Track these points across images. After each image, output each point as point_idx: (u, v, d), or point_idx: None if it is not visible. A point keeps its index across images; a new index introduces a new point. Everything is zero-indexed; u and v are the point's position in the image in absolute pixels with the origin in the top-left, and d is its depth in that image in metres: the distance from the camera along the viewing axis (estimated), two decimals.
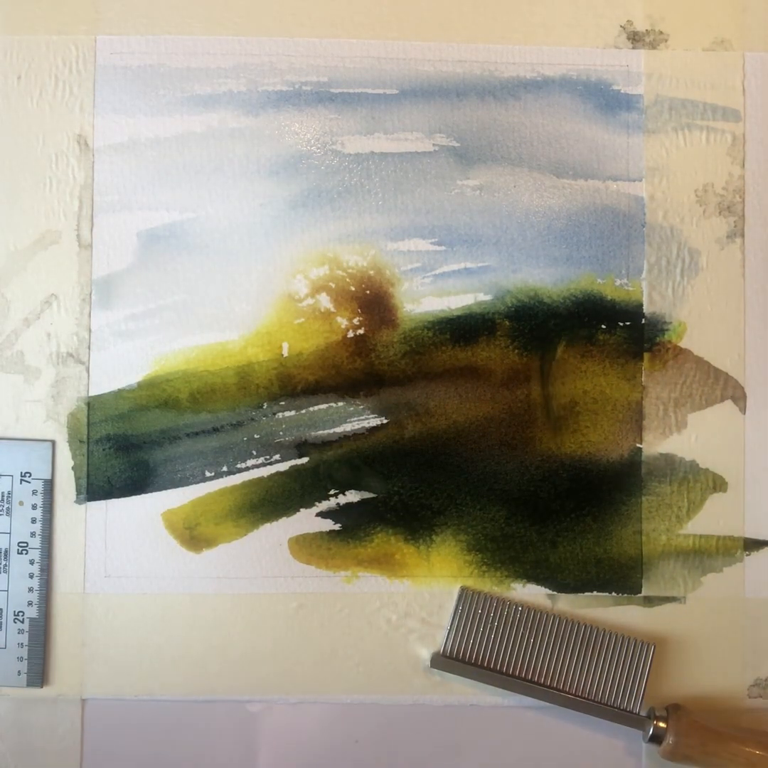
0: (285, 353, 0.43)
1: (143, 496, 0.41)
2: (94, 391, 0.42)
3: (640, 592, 0.41)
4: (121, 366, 0.42)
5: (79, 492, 0.41)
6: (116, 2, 0.41)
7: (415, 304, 0.43)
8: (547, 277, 0.43)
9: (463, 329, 0.42)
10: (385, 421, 0.41)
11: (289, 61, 0.42)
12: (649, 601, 0.41)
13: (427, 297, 0.43)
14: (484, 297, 0.43)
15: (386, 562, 0.41)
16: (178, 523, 0.42)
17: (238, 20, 0.42)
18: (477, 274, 0.43)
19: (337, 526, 0.41)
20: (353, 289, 0.44)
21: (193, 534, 0.41)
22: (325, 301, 0.44)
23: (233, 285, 0.42)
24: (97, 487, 0.41)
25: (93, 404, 0.42)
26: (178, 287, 0.43)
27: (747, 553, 0.42)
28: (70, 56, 0.41)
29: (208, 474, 0.42)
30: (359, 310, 0.44)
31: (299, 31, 0.42)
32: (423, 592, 0.41)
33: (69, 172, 0.42)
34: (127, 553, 0.41)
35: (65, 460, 0.41)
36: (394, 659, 0.41)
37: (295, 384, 0.43)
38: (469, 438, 0.41)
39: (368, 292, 0.44)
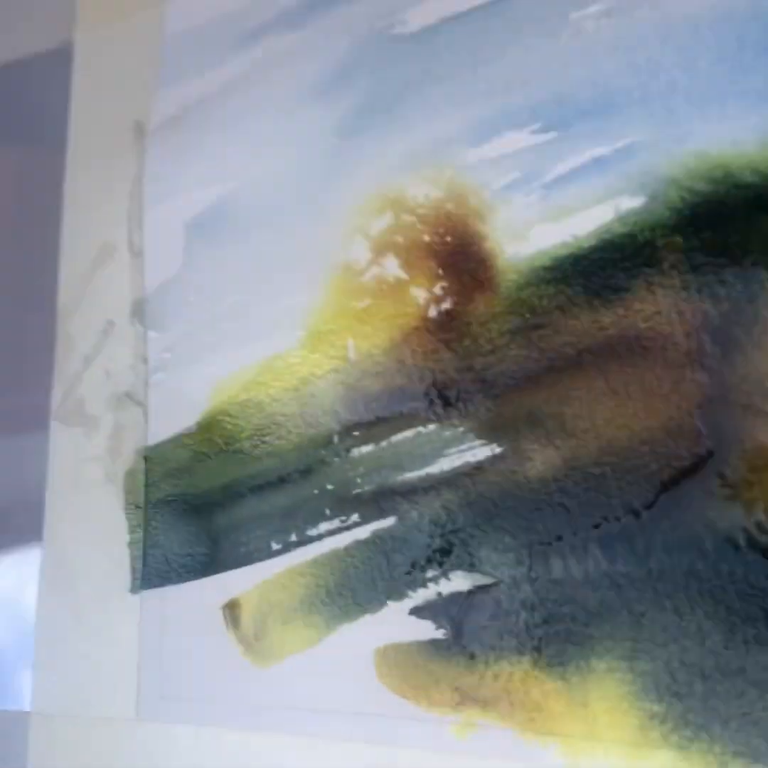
0: (351, 356, 0.36)
1: (202, 580, 0.37)
2: (152, 440, 0.41)
3: None
4: (179, 403, 0.38)
5: (134, 576, 0.37)
6: None
7: (519, 241, 0.32)
8: (744, 131, 0.27)
9: (602, 271, 0.29)
10: (498, 450, 0.29)
11: None
12: None
13: (536, 225, 0.32)
14: (631, 202, 0.29)
15: (517, 704, 0.28)
16: (243, 620, 0.37)
17: None
18: (613, 164, 0.29)
19: (439, 633, 0.30)
20: (428, 238, 0.33)
21: (259, 639, 0.34)
22: (392, 267, 0.35)
23: (285, 268, 0.35)
24: (154, 569, 0.37)
25: (151, 458, 0.39)
26: (229, 286, 0.37)
27: None
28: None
29: (274, 546, 0.36)
30: (440, 271, 0.34)
31: None
32: None
33: (125, 168, 0.41)
34: (183, 663, 0.35)
35: (119, 534, 0.38)
36: None
37: (368, 402, 0.36)
38: (645, 470, 0.26)
39: (449, 238, 0.33)
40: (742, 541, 0.25)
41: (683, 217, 0.27)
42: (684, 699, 0.25)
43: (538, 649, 0.28)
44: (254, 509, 0.36)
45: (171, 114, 0.40)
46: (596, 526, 0.27)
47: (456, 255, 0.31)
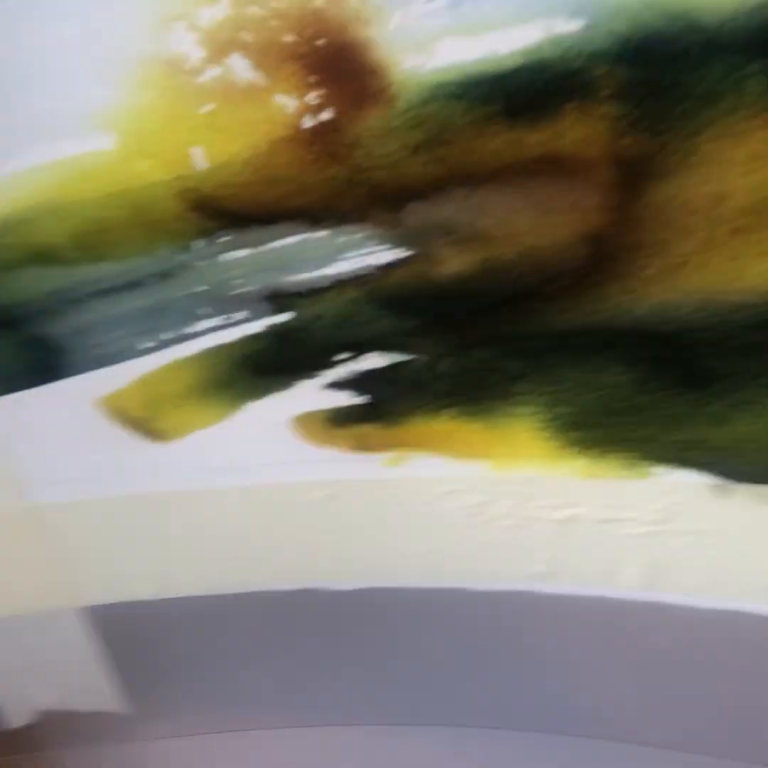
0: (198, 164, 0.32)
1: (64, 383, 0.37)
2: None
3: None
4: None
5: None
6: None
7: (421, 53, 0.28)
8: None
9: (528, 93, 0.28)
10: (406, 254, 0.32)
11: None
12: None
13: (444, 38, 0.28)
14: (567, 27, 0.27)
15: (444, 441, 0.36)
16: (131, 409, 0.39)
17: None
18: None
19: (359, 399, 0.35)
20: (290, 39, 0.29)
21: (152, 422, 0.37)
22: (242, 68, 0.30)
23: (75, 57, 0.29)
24: None
25: None
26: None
27: None
28: None
29: (142, 346, 0.36)
30: (312, 78, 0.29)
31: None
32: (511, 477, 0.37)
33: None
34: (71, 452, 0.39)
35: None
36: (481, 548, 0.39)
37: (233, 210, 0.33)
38: (568, 267, 0.30)
39: (322, 42, 0.28)
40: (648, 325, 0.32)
41: (628, 49, 0.26)
42: (598, 428, 0.35)
43: (462, 404, 0.35)
44: (104, 313, 0.35)
45: None
46: (515, 311, 0.33)
47: (333, 61, 0.27)
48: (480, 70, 0.27)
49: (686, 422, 0.34)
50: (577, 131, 0.28)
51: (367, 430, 0.36)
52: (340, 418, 0.36)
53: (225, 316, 0.34)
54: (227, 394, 0.36)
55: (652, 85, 0.27)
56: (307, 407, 0.36)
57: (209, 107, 0.29)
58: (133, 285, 0.34)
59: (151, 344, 0.35)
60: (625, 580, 0.38)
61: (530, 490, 0.37)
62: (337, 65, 0.28)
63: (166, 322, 0.34)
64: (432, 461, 0.37)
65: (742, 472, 0.35)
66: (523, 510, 0.37)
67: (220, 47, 0.28)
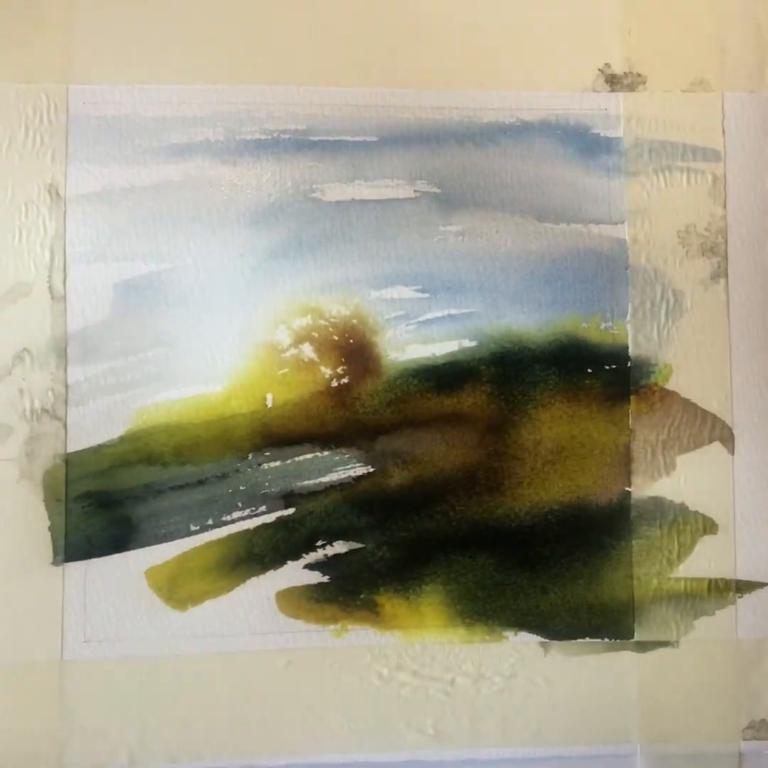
0: (269, 404, 0.67)
1: (125, 554, 0.66)
2: (72, 448, 0.65)
3: (632, 637, 0.69)
4: (101, 421, 0.65)
5: (55, 553, 0.65)
6: (88, 51, 0.62)
7: (399, 352, 0.68)
8: (531, 321, 0.69)
9: (448, 376, 0.68)
10: (371, 470, 0.69)
11: (267, 109, 0.66)
12: (642, 646, 0.68)
13: (412, 344, 0.68)
14: (469, 343, 0.69)
15: (376, 614, 0.69)
16: (162, 580, 0.67)
17: (213, 69, 0.64)
18: (461, 321, 0.68)
19: (325, 578, 0.68)
20: (336, 338, 0.67)
21: (177, 591, 0.67)
22: (308, 351, 0.67)
23: (214, 336, 0.66)
24: (76, 546, 0.65)
25: (71, 461, 0.65)
26: (158, 340, 0.65)
27: (739, 595, 0.68)
28: (41, 105, 0.62)
29: (193, 528, 0.67)
30: (343, 360, 0.67)
31: (276, 79, 0.65)
32: (414, 645, 0.69)
33: (40, 222, 0.62)
34: (107, 615, 0.66)
35: (41, 520, 0.64)
36: (386, 715, 0.69)
37: (279, 434, 0.66)
38: (457, 484, 0.68)
39: (352, 341, 0.67)
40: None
41: (495, 356, 0.67)
42: (474, 601, 0.70)
43: (391, 584, 0.67)
44: (174, 502, 0.66)
45: (92, 190, 0.63)
46: (427, 513, 0.65)
47: (355, 351, 0.66)
48: (426, 363, 0.65)
49: (525, 593, 0.70)
50: (469, 400, 0.68)
51: (326, 604, 0.65)
52: (310, 593, 0.64)
53: (252, 509, 0.63)
54: (239, 570, 0.64)
55: (505, 377, 0.66)
56: (289, 584, 0.64)
57: (284, 371, 0.62)
58: (200, 483, 0.64)
59: (198, 527, 0.62)
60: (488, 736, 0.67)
61: (424, 657, 0.69)
62: (357, 354, 0.63)
63: (212, 511, 0.64)
64: (366, 633, 0.69)
65: (558, 631, 0.69)
66: (417, 677, 0.68)
67: (300, 339, 0.63)
